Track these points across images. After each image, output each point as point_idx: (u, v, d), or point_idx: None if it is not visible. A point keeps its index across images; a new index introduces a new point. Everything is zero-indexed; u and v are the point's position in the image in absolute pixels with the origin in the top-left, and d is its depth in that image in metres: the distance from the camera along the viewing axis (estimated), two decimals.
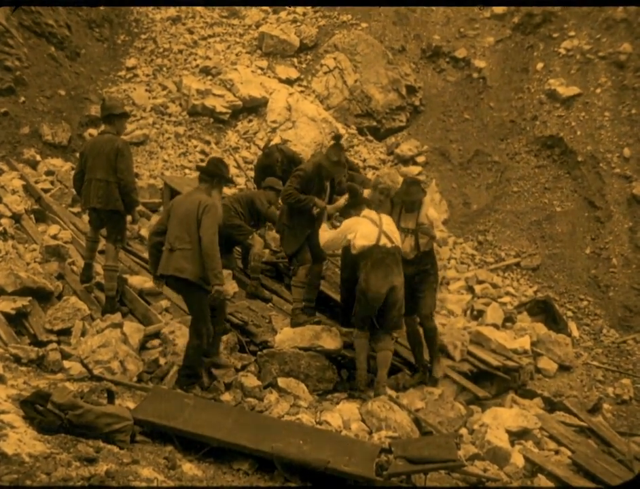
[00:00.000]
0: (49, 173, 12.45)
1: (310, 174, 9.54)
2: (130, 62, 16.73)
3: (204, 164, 8.41)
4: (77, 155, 13.47)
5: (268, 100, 16.11)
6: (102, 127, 9.44)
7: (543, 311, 13.28)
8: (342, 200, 9.75)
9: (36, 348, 7.60)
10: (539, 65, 17.19)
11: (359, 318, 8.83)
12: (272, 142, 13.00)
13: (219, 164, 8.17)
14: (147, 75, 16.58)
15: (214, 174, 7.93)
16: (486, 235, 15.78)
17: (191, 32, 17.74)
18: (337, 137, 10.07)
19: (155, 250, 7.94)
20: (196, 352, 7.77)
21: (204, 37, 17.72)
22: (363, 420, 8.21)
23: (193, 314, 7.87)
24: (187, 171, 14.51)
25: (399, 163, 16.93)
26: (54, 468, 4.81)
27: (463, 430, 8.81)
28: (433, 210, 9.55)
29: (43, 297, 8.62)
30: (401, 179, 9.54)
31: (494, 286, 14.31)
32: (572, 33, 17.12)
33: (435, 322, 9.52)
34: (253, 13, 18.48)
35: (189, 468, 5.81)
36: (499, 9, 18.21)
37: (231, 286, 10.15)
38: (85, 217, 11.46)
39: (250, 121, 15.93)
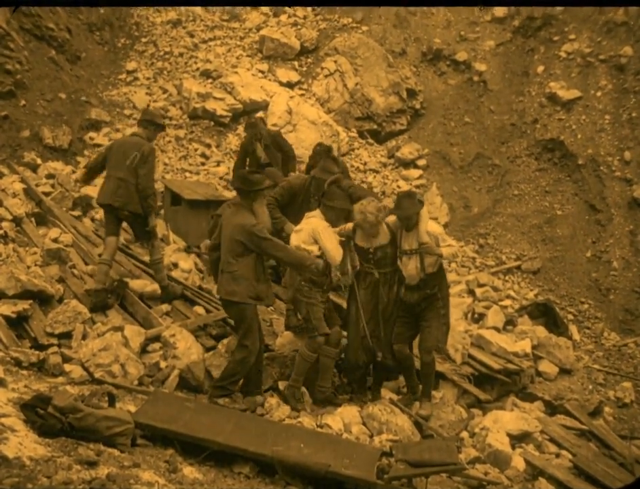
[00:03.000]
0: (49, 176, 12.45)
1: (297, 188, 9.54)
2: (131, 65, 16.74)
3: (235, 181, 8.47)
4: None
5: (269, 103, 16.11)
6: (137, 130, 9.82)
7: (544, 314, 13.28)
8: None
9: (37, 352, 7.59)
10: (540, 68, 17.21)
11: None
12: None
13: (248, 178, 8.07)
14: (148, 78, 16.59)
15: (247, 191, 7.92)
16: (487, 238, 15.79)
17: (191, 36, 17.75)
18: (328, 149, 9.83)
19: (215, 266, 8.37)
20: (237, 365, 7.87)
21: (204, 40, 17.73)
22: (363, 423, 8.21)
23: (240, 330, 7.96)
24: (187, 174, 14.51)
25: (399, 166, 16.95)
26: (54, 472, 4.80)
27: (464, 434, 8.82)
28: (434, 223, 8.90)
29: (43, 300, 8.61)
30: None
31: (495, 289, 14.30)
32: (572, 36, 17.13)
33: (433, 356, 8.62)
34: (253, 17, 18.49)
35: (190, 471, 5.81)
36: (499, 13, 18.22)
37: None
38: (86, 220, 11.48)
39: None
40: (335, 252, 8.21)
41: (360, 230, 8.42)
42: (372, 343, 8.53)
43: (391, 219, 8.44)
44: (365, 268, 8.57)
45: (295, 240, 8.28)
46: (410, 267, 8.27)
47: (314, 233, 8.18)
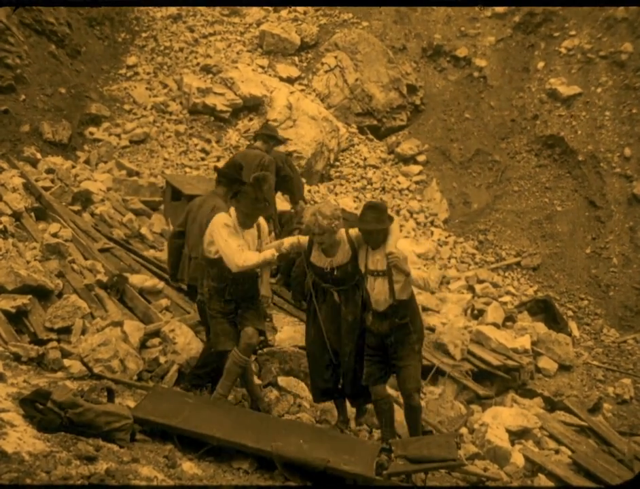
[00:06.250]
0: (49, 171, 12.45)
1: None
2: (131, 60, 16.73)
3: (224, 167, 8.22)
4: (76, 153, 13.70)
5: (269, 98, 16.10)
6: (256, 143, 10.43)
7: (544, 310, 13.29)
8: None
9: (36, 347, 7.58)
10: (540, 64, 17.20)
11: None
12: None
13: (239, 168, 8.01)
14: (148, 73, 16.58)
15: (235, 180, 7.72)
16: (487, 234, 15.79)
17: (191, 31, 17.73)
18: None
19: (177, 253, 8.14)
20: (209, 355, 7.76)
21: (204, 35, 17.71)
22: None
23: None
24: (187, 170, 14.50)
25: (399, 162, 16.94)
26: (53, 467, 4.80)
27: (463, 430, 8.82)
28: (405, 243, 7.53)
29: (43, 295, 8.60)
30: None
31: (495, 285, 14.33)
32: (573, 32, 17.12)
33: (418, 400, 7.29)
34: (253, 12, 18.46)
35: (189, 467, 5.80)
36: (500, 9, 18.20)
37: None
38: (86, 215, 11.48)
39: (251, 119, 15.92)
40: (233, 256, 6.88)
41: (316, 247, 7.20)
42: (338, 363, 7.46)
43: (354, 231, 7.20)
44: (322, 286, 7.38)
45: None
46: (378, 291, 7.03)
47: (211, 231, 7.13)
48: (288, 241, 7.26)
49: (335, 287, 7.28)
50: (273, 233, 11.13)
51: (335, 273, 7.21)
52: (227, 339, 7.15)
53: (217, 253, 7.05)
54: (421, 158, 17.10)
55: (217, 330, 7.20)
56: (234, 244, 6.91)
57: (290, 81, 17.09)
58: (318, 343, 7.43)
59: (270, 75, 16.94)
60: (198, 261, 7.67)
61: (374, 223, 6.90)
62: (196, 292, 7.78)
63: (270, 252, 7.00)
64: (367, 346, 7.25)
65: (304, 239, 7.26)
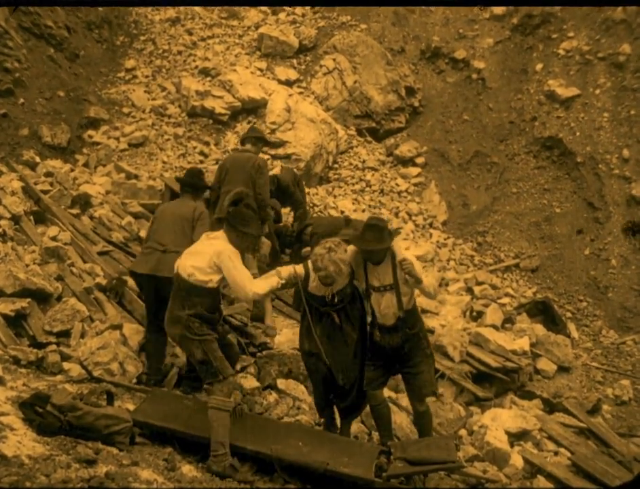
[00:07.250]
0: (48, 175, 12.42)
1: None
2: (129, 63, 16.72)
3: (186, 177, 8.40)
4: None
5: (267, 101, 16.07)
6: (245, 146, 10.49)
7: (543, 312, 13.30)
8: None
9: (35, 350, 7.59)
10: (538, 66, 17.21)
11: None
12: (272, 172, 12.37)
13: (201, 175, 8.48)
14: (146, 76, 16.57)
15: (198, 186, 8.21)
16: (486, 236, 15.80)
17: (190, 34, 17.74)
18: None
19: None
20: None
21: (203, 38, 17.71)
22: (362, 421, 8.21)
23: None
24: None
25: (398, 164, 16.96)
26: (53, 470, 4.81)
27: (463, 432, 8.83)
28: (410, 254, 7.19)
29: (42, 298, 8.59)
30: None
31: (494, 287, 14.33)
32: (571, 34, 17.14)
33: (428, 405, 7.26)
34: (252, 15, 18.47)
35: (189, 469, 5.81)
36: (498, 10, 18.22)
37: None
38: (85, 218, 11.46)
39: (249, 122, 15.90)
40: (247, 283, 6.38)
41: (314, 277, 6.89)
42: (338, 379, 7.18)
43: (351, 248, 6.93)
44: (321, 310, 7.09)
45: (191, 262, 6.52)
46: (385, 306, 6.87)
47: (218, 259, 6.39)
48: (285, 271, 6.87)
49: (333, 308, 7.03)
50: (273, 236, 11.20)
51: (335, 298, 6.94)
52: (227, 363, 6.58)
53: (216, 282, 6.49)
54: (420, 160, 17.12)
55: (219, 356, 6.50)
56: (247, 272, 6.49)
57: (288, 83, 17.08)
58: (316, 359, 7.21)
59: (268, 78, 16.93)
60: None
61: (375, 243, 6.69)
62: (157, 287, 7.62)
63: (275, 280, 6.68)
64: (370, 353, 7.14)
65: (300, 268, 6.95)
